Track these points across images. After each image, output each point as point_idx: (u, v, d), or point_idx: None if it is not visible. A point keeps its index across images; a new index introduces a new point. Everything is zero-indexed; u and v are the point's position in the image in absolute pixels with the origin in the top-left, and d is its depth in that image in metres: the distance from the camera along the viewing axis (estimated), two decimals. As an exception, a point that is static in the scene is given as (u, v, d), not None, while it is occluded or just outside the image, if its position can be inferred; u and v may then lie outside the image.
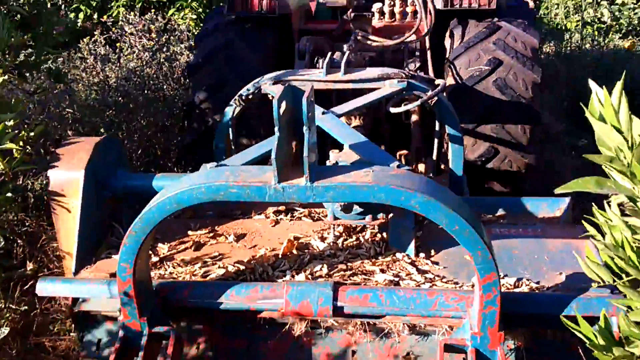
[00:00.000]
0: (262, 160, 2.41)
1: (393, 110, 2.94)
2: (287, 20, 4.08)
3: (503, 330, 2.08)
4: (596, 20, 7.72)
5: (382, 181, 1.89)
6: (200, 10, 7.46)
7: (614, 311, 2.18)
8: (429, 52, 3.89)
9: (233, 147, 3.29)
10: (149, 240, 2.10)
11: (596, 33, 7.62)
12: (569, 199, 2.93)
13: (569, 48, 7.18)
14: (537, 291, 2.37)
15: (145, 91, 4.98)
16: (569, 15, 8.01)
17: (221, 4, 7.46)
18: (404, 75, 3.01)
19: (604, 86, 1.66)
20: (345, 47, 3.70)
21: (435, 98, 2.93)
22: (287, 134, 1.97)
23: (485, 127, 3.70)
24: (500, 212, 3.01)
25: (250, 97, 3.15)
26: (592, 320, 2.21)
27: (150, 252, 2.67)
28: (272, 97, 3.16)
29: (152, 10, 6.85)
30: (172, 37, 6.27)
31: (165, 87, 5.27)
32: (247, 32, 3.97)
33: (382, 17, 4.20)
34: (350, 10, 4.09)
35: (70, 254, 2.56)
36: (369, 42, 3.83)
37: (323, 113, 2.70)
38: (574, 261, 2.52)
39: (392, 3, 4.13)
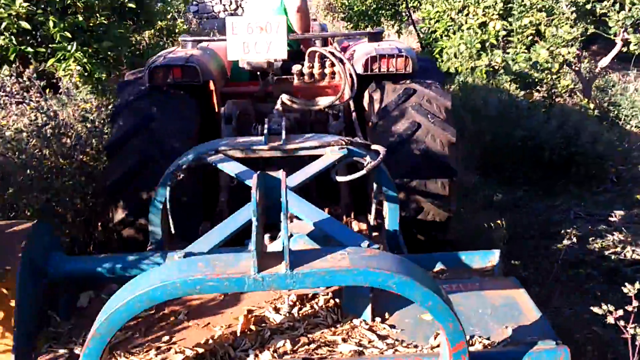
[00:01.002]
0: (228, 241, 2.36)
1: (340, 179, 3.01)
2: (207, 85, 4.05)
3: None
4: (489, 67, 8.09)
5: (359, 264, 1.93)
6: (86, 60, 6.60)
7: (561, 360, 2.37)
8: (354, 114, 4.03)
9: (172, 228, 3.17)
10: (111, 342, 1.96)
11: (484, 76, 8.02)
12: (498, 251, 3.16)
13: (472, 99, 7.51)
14: (489, 348, 2.51)
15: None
16: (463, 61, 8.35)
17: (124, 68, 7.11)
18: (343, 142, 3.10)
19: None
20: (274, 111, 3.74)
21: (372, 162, 3.05)
22: (263, 222, 1.96)
23: (410, 185, 3.89)
24: (437, 267, 3.18)
25: (187, 169, 3.07)
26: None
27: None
28: (214, 166, 3.11)
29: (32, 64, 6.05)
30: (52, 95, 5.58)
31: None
32: (168, 102, 3.85)
33: (301, 79, 4.30)
34: (271, 72, 4.15)
35: (8, 352, 2.32)
36: (295, 105, 3.90)
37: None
38: (516, 313, 2.73)
39: (311, 65, 4.25)
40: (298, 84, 4.29)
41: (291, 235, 2.54)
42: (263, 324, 2.62)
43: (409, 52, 3.99)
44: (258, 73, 4.13)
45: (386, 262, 1.98)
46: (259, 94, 4.20)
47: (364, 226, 3.74)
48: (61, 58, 6.52)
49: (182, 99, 3.89)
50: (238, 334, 2.55)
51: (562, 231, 4.93)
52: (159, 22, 9.75)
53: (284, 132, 3.14)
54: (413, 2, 11.41)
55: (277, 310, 2.73)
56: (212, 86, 4.07)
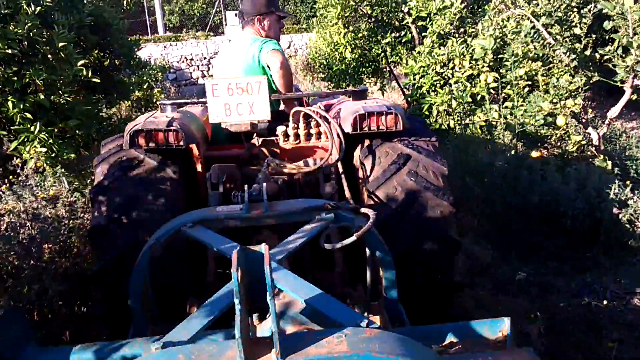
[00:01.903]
0: (211, 326, 2.15)
1: (327, 246, 2.82)
2: (190, 149, 3.91)
3: None
4: (486, 122, 7.51)
5: (359, 348, 1.73)
6: (52, 141, 6.07)
7: None
8: (343, 177, 3.88)
9: (154, 309, 2.96)
10: None
11: (480, 131, 7.54)
12: (508, 319, 2.94)
13: (473, 160, 6.89)
14: None
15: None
16: (456, 117, 7.81)
17: (94, 146, 6.79)
18: (329, 207, 2.94)
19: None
20: (260, 175, 3.60)
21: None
22: (247, 306, 1.77)
23: (409, 260, 3.69)
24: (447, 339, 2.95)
25: (165, 243, 2.88)
26: None
27: None
28: (194, 240, 2.93)
29: None
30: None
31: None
32: (152, 176, 3.70)
33: (286, 140, 4.18)
34: (255, 134, 4.02)
35: None
36: (283, 169, 3.76)
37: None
38: (535, 391, 2.49)
39: (295, 126, 4.14)
40: (284, 145, 4.16)
41: (281, 315, 2.33)
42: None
43: (397, 109, 3.90)
44: (242, 136, 4.01)
45: (390, 345, 1.78)
46: (244, 157, 4.05)
47: (361, 296, 3.52)
48: (24, 140, 6.00)
49: (164, 167, 3.73)
50: None
51: (605, 319, 4.33)
52: (136, 93, 9.46)
53: (265, 199, 2.98)
54: (393, 58, 11.42)
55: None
56: (195, 150, 3.93)
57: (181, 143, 3.63)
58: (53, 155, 6.04)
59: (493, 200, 6.27)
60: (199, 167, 3.95)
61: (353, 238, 2.75)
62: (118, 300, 3.24)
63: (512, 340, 2.87)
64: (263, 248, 1.78)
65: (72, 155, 6.21)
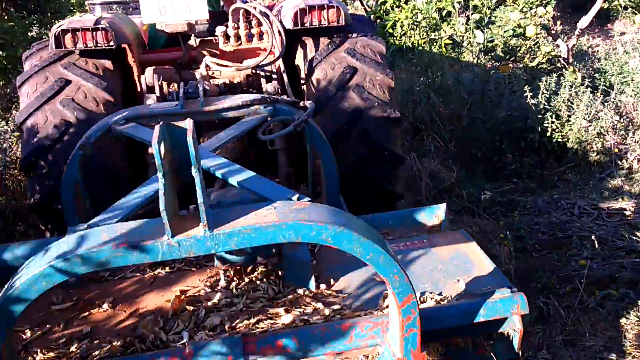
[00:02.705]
0: (139, 215, 2.11)
1: (264, 137, 2.78)
2: (123, 52, 3.72)
3: (424, 350, 2.02)
4: (451, 39, 7.16)
5: (288, 218, 1.72)
6: None
7: (517, 309, 2.24)
8: (284, 74, 3.79)
9: (86, 203, 2.89)
10: (13, 331, 1.70)
11: (445, 50, 7.18)
12: (444, 205, 3.01)
13: (437, 77, 6.63)
14: (442, 303, 2.35)
15: None
16: (421, 33, 7.47)
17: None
18: (268, 100, 2.88)
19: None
20: (197, 74, 3.47)
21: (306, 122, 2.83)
22: (172, 179, 1.72)
23: (350, 135, 3.67)
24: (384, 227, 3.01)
25: (96, 141, 2.78)
26: (500, 320, 2.29)
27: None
28: (126, 137, 2.84)
29: None
30: None
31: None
32: (81, 70, 3.52)
33: (227, 41, 4.01)
34: (194, 35, 3.85)
35: None
36: (221, 68, 3.63)
37: None
38: (467, 266, 2.59)
39: (236, 26, 3.96)
40: (224, 47, 3.99)
41: (217, 205, 2.31)
42: (198, 304, 2.39)
43: (340, 3, 3.78)
44: (179, 37, 3.83)
45: (319, 214, 1.78)
46: (183, 60, 3.88)
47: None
48: None
49: (95, 68, 3.55)
50: (170, 317, 2.30)
51: (574, 236, 4.21)
52: (74, 13, 8.79)
53: (201, 95, 2.88)
54: None
55: (212, 287, 2.50)
56: (129, 53, 3.74)
57: (111, 42, 3.44)
58: None
59: (459, 118, 6.08)
60: (135, 73, 3.77)
61: (290, 128, 2.72)
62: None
63: (447, 224, 2.96)
64: (187, 123, 1.71)
65: None
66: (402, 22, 7.82)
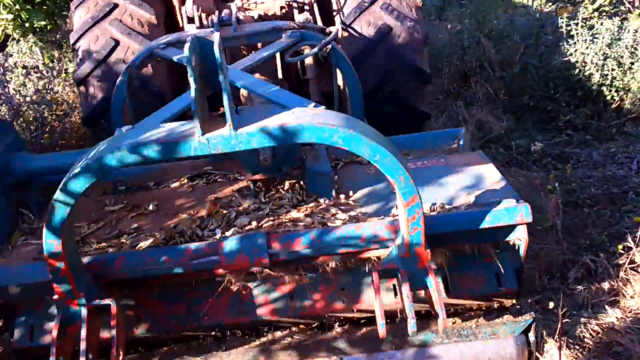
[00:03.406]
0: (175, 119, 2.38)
1: (291, 60, 2.99)
2: None
3: (428, 249, 2.24)
4: None
5: (304, 120, 1.95)
6: (19, 6, 5.52)
7: (521, 218, 2.42)
8: (315, 6, 3.96)
9: (132, 119, 3.20)
10: (73, 213, 2.01)
11: None
12: (464, 129, 3.17)
13: (489, 20, 6.22)
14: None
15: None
16: None
17: None
18: (296, 26, 3.07)
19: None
20: (233, 6, 3.68)
21: (330, 47, 3.02)
22: (202, 85, 1.96)
23: (378, 95, 3.85)
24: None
25: (141, 64, 3.06)
26: (506, 229, 2.47)
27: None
28: (169, 60, 3.10)
29: None
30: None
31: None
32: (128, 17, 3.80)
33: None
34: None
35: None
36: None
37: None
38: (480, 182, 2.76)
39: None
40: None
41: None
42: (230, 208, 2.68)
43: None
44: None
45: (332, 118, 2.00)
46: None
47: None
48: None
49: (143, 8, 3.82)
50: (205, 217, 2.61)
51: (630, 191, 3.98)
52: None
53: (234, 21, 3.10)
54: None
55: (243, 196, 2.78)
56: None
57: None
58: (23, 24, 5.60)
59: (511, 64, 5.71)
60: (177, 5, 4.02)
61: (315, 50, 2.91)
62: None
63: (466, 146, 3.13)
64: (215, 36, 1.93)
65: (43, 23, 5.79)
66: None
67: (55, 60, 5.79)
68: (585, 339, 2.87)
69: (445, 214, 2.48)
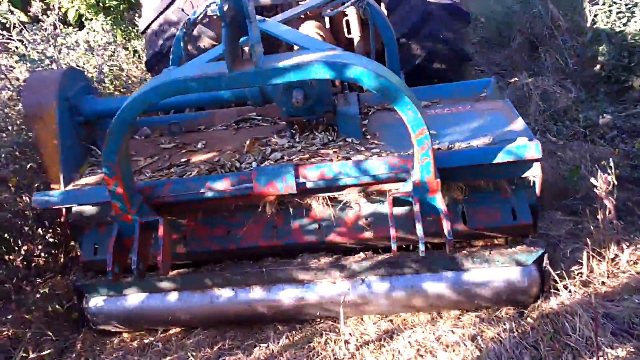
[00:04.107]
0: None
1: (327, 14, 3.23)
2: None
3: (439, 178, 2.44)
4: None
5: (318, 58, 2.20)
6: None
7: (532, 153, 2.56)
8: None
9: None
10: (127, 139, 2.37)
11: None
12: (493, 78, 3.30)
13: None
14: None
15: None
16: None
17: None
18: None
19: None
20: None
21: (366, 3, 3.23)
22: (233, 30, 2.24)
23: (424, 32, 4.03)
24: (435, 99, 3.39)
25: (198, 20, 3.39)
26: (518, 165, 2.62)
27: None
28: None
29: None
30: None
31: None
32: None
33: None
34: None
35: (57, 174, 2.83)
36: None
37: (263, 20, 2.99)
38: (500, 125, 2.91)
39: None
40: None
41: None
42: (267, 146, 2.98)
43: None
44: None
45: (347, 57, 2.23)
46: None
47: None
48: None
49: None
50: (245, 153, 2.93)
51: None
52: None
53: None
54: None
55: (280, 136, 3.08)
56: None
57: None
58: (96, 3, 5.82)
59: (581, 32, 5.34)
60: None
61: (347, 5, 3.13)
62: None
63: (494, 93, 3.26)
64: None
65: (115, 2, 5.98)
66: None
67: (126, 39, 6.11)
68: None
69: (460, 150, 2.67)
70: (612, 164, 3.02)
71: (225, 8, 2.18)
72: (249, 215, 2.80)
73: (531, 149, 2.56)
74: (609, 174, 2.95)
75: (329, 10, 3.32)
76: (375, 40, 3.81)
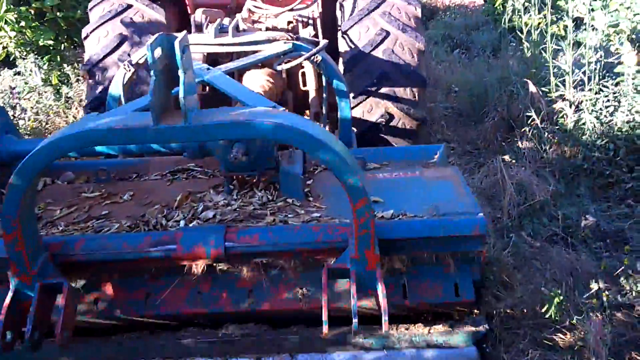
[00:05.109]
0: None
1: (279, 67, 3.09)
2: None
3: (379, 253, 2.26)
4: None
5: (254, 118, 2.01)
6: (24, 23, 5.07)
7: (476, 230, 2.43)
8: (318, 21, 4.07)
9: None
10: (31, 190, 2.11)
11: (562, 31, 5.46)
12: (443, 145, 3.20)
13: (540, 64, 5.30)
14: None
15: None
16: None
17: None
18: (289, 38, 3.16)
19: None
20: (238, 15, 3.80)
21: (320, 57, 3.10)
22: (164, 80, 2.04)
23: (379, 93, 3.96)
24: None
25: (139, 62, 3.19)
26: (463, 240, 2.48)
27: (41, 214, 2.68)
28: None
29: None
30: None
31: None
32: (139, 16, 4.01)
33: None
34: None
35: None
36: (258, 10, 3.94)
37: (208, 69, 2.80)
38: (447, 194, 2.78)
39: None
40: None
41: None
42: (200, 202, 2.75)
43: None
44: None
45: (283, 118, 2.05)
46: (232, 4, 4.25)
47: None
48: None
49: (153, 13, 4.02)
50: (173, 209, 2.68)
51: None
52: None
53: (230, 28, 3.21)
54: None
55: (217, 192, 2.85)
56: None
57: None
58: (26, 42, 5.24)
59: (564, 117, 4.89)
60: (190, 12, 4.19)
61: (300, 59, 3.00)
62: None
63: (444, 161, 3.15)
64: (180, 34, 2.02)
65: (49, 42, 5.42)
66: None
67: (62, 82, 5.59)
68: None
69: (402, 221, 2.51)
70: (600, 285, 2.82)
71: (157, 55, 1.98)
72: (172, 278, 2.54)
73: (476, 224, 2.43)
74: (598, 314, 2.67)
75: (283, 64, 3.18)
76: (329, 95, 3.70)
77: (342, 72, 3.99)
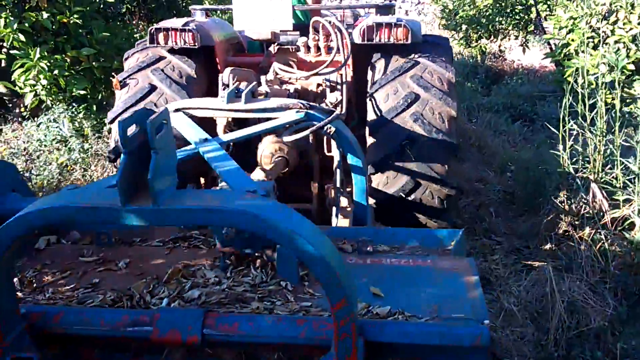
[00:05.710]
0: None
1: (286, 138, 2.98)
2: (211, 52, 4.15)
3: (361, 357, 2.04)
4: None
5: (227, 206, 1.88)
6: (57, 72, 4.98)
7: (477, 342, 2.16)
8: (344, 86, 3.96)
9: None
10: (6, 264, 2.05)
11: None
12: (462, 230, 2.94)
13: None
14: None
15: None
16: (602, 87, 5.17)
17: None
18: (302, 106, 3.06)
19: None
20: (263, 78, 3.75)
21: (332, 128, 2.97)
22: (140, 159, 1.95)
23: (404, 159, 3.76)
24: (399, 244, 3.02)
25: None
26: (463, 350, 2.21)
27: (34, 278, 2.64)
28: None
29: None
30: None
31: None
32: (170, 68, 4.04)
33: (308, 52, 4.28)
34: (276, 43, 4.16)
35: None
36: (288, 74, 3.90)
37: (206, 140, 2.73)
38: (455, 292, 2.52)
39: (316, 38, 4.21)
40: (305, 56, 4.28)
41: None
42: (192, 278, 2.63)
43: (410, 22, 3.89)
44: (263, 44, 4.19)
45: (258, 204, 1.91)
46: (263, 64, 4.23)
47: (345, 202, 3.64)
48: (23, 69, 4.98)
49: (184, 64, 4.05)
50: (162, 283, 2.57)
51: None
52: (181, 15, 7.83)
53: (243, 95, 3.15)
54: (541, 6, 9.10)
55: (212, 267, 2.72)
56: (217, 53, 4.18)
57: (196, 44, 3.88)
58: (58, 90, 5.14)
59: (632, 224, 4.25)
60: (220, 69, 4.20)
61: (307, 132, 2.88)
62: None
63: (461, 250, 2.89)
64: (162, 110, 1.94)
65: (82, 92, 5.34)
66: (586, 71, 5.58)
67: (98, 131, 5.51)
68: None
69: (395, 322, 2.28)
70: None
71: (130, 133, 1.91)
72: (153, 358, 2.40)
73: (478, 335, 2.16)
74: None
75: (291, 134, 3.07)
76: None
77: (367, 137, 3.84)
